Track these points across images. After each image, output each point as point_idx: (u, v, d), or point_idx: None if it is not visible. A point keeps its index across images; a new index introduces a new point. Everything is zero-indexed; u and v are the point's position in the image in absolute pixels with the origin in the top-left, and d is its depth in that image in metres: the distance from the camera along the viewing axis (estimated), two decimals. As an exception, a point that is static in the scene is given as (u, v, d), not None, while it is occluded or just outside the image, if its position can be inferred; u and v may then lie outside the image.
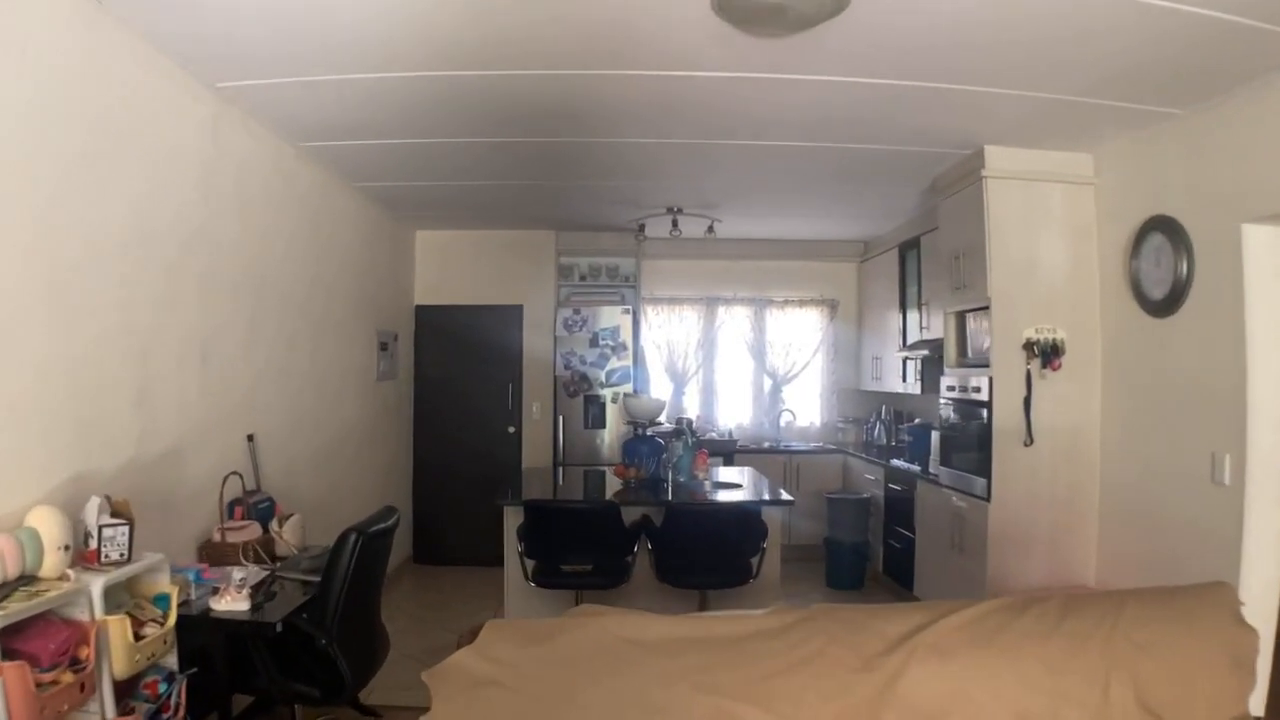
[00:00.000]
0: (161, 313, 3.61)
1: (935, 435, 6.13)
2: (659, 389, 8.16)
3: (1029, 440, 5.08)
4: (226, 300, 4.20)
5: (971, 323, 5.59)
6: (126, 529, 2.91)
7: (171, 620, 3.01)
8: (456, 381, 7.74)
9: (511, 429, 7.73)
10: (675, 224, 6.92)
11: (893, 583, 6.68)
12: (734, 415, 8.42)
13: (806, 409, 8.48)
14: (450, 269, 7.81)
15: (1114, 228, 4.98)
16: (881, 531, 6.89)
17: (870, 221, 7.47)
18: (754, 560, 4.60)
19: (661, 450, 5.45)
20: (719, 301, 8.35)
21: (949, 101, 4.29)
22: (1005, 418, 5.10)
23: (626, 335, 7.59)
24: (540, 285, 7.84)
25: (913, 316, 7.18)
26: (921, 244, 6.91)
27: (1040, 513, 5.10)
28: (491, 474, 7.49)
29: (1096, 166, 5.18)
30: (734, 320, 8.40)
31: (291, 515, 4.05)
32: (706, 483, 5.50)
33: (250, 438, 4.39)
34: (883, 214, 7.14)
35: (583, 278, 8.00)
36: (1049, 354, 5.13)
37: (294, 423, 5.03)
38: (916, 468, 6.36)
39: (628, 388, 7.54)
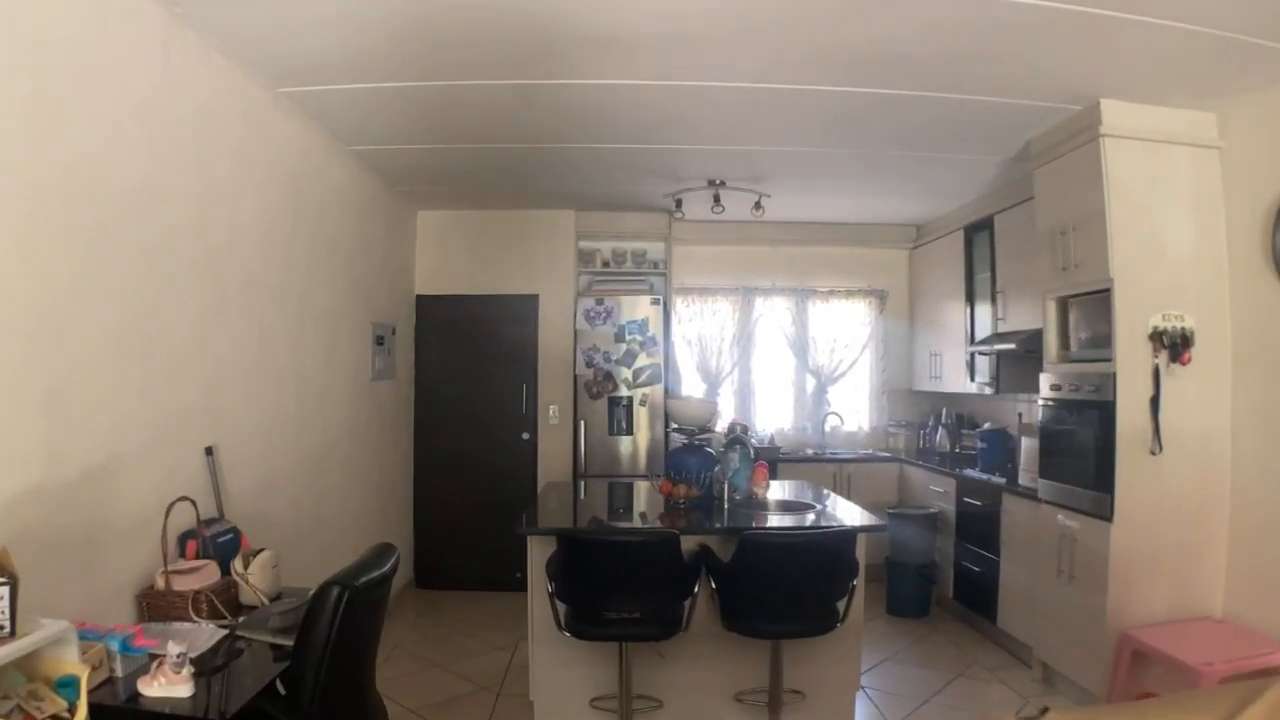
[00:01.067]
0: (86, 288, 2.71)
1: (1026, 442, 5.27)
2: (690, 389, 7.23)
3: (1157, 448, 4.28)
4: (180, 276, 3.30)
5: (1074, 311, 4.69)
6: (4, 591, 2.00)
7: (80, 716, 2.11)
8: (463, 382, 6.86)
9: (526, 435, 6.83)
10: (717, 199, 6.04)
11: (967, 611, 5.79)
12: (773, 419, 7.53)
13: (854, 412, 7.57)
14: (456, 254, 6.93)
15: (1247, 198, 4.24)
16: (952, 552, 5.99)
17: (930, 200, 6.59)
18: (841, 603, 3.69)
19: (714, 463, 4.56)
20: (756, 292, 7.47)
21: (1060, 35, 3.54)
22: (1130, 421, 4.29)
23: (656, 329, 6.69)
24: (558, 273, 6.94)
25: (983, 308, 6.32)
26: (995, 224, 6.04)
27: (1167, 533, 4.30)
28: (503, 488, 6.65)
29: (1222, 128, 4.40)
30: (773, 313, 7.51)
31: (261, 551, 3.12)
32: (769, 501, 4.59)
33: (209, 451, 3.49)
34: (945, 190, 6.28)
35: (606, 264, 7.10)
36: (1178, 345, 4.28)
37: (267, 431, 4.13)
38: (999, 479, 5.45)
39: (657, 388, 6.63)
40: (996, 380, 6.05)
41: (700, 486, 4.51)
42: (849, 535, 3.70)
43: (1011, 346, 5.56)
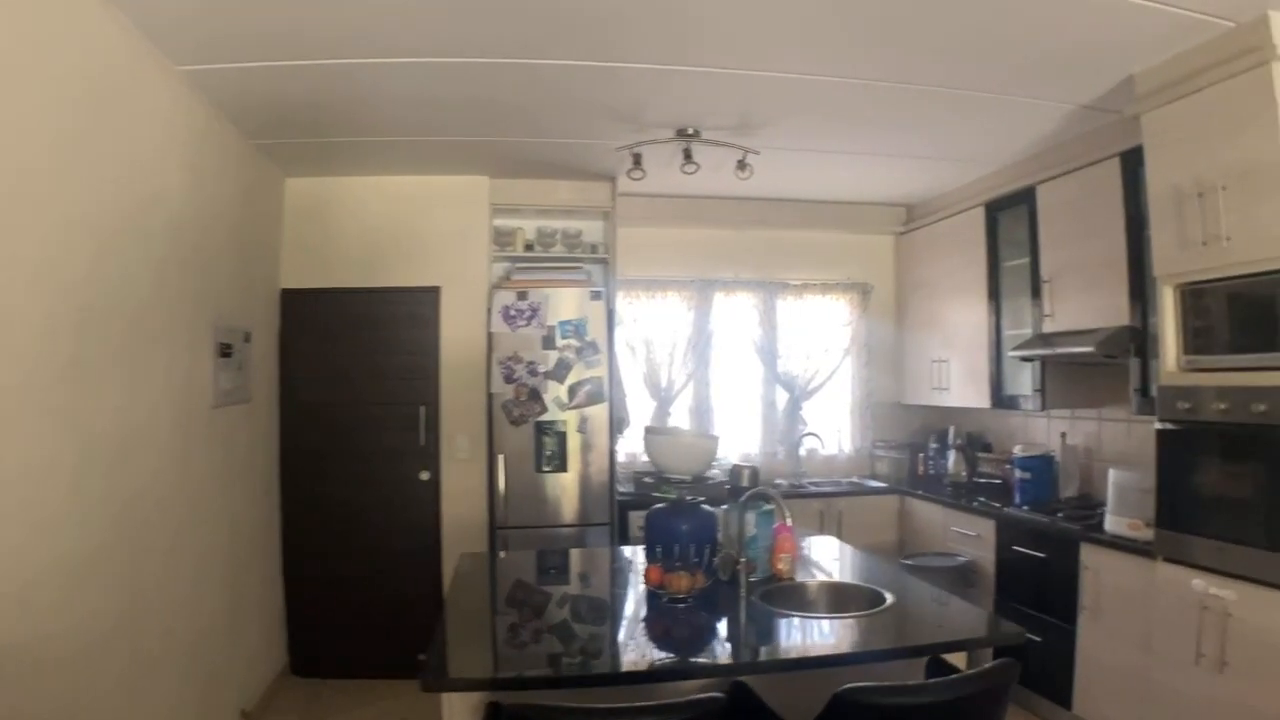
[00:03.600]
0: None
1: (1118, 476, 3.99)
2: (636, 409, 5.68)
3: None
4: None
5: (1210, 303, 3.43)
6: None
7: None
8: (345, 405, 5.17)
9: (425, 474, 5.22)
10: (688, 155, 4.51)
11: (1026, 692, 4.39)
12: (738, 443, 6.02)
13: (832, 431, 6.19)
14: (336, 235, 5.25)
15: None
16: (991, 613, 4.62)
17: (940, 168, 5.32)
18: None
19: (714, 529, 3.08)
20: (716, 285, 6.01)
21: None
22: None
23: (597, 331, 5.15)
24: (467, 258, 5.34)
25: (1015, 303, 5.11)
26: (1039, 197, 4.72)
27: None
28: (398, 545, 5.18)
29: None
30: (736, 311, 6.02)
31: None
32: (808, 587, 3.16)
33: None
34: (969, 152, 5.02)
35: (530, 247, 5.54)
36: (1386, 349, 3.01)
37: (27, 504, 2.36)
38: (1071, 523, 4.15)
39: (600, 409, 5.06)
40: (1043, 393, 4.74)
41: (705, 570, 3.01)
42: (1003, 684, 2.23)
43: (1082, 349, 4.26)
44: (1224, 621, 3.23)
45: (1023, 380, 4.99)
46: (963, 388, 5.50)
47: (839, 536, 5.32)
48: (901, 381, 6.27)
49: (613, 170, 5.17)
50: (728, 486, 3.55)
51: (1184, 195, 3.44)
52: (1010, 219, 5.10)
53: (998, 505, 4.84)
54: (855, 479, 6.07)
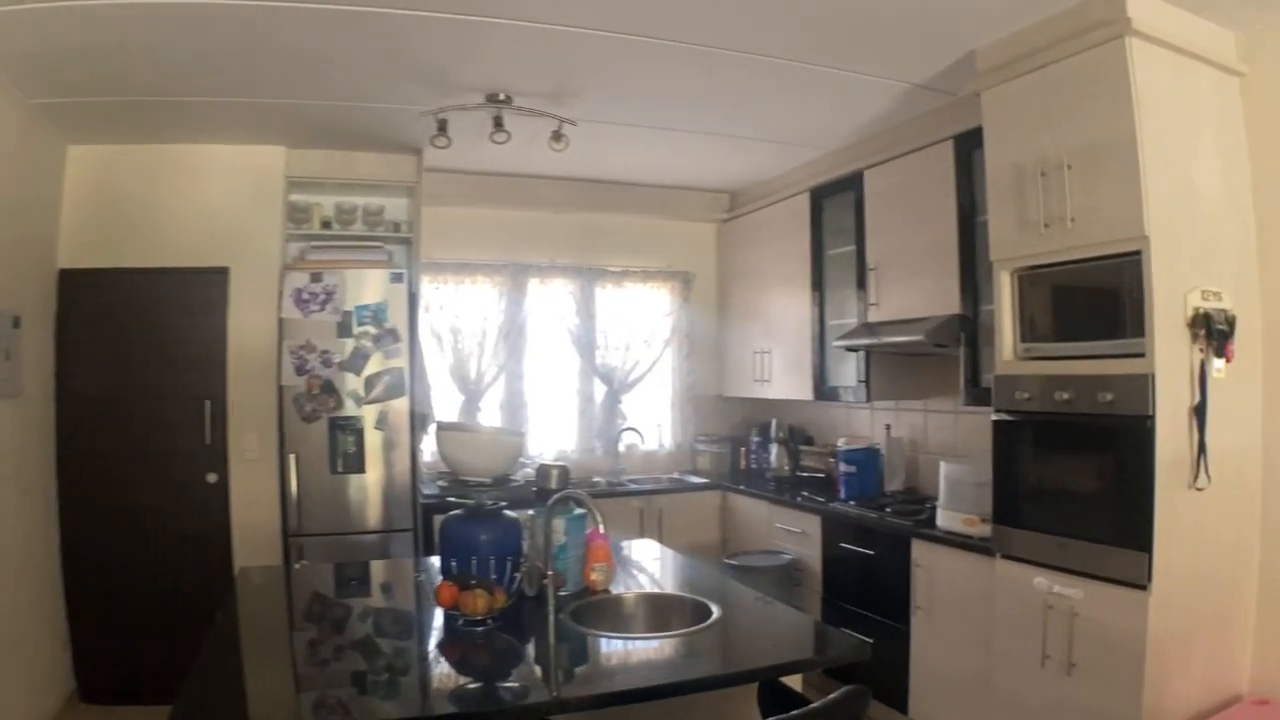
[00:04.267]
0: None
1: (949, 469, 3.82)
2: (443, 402, 5.13)
3: (1205, 480, 2.98)
4: None
5: (1048, 290, 3.32)
6: None
7: None
8: (128, 399, 4.45)
9: (213, 476, 4.53)
10: (499, 123, 4.04)
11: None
12: (553, 439, 5.58)
13: (653, 426, 5.87)
14: (120, 209, 4.50)
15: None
16: (819, 614, 4.41)
17: (766, 153, 5.03)
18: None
19: (519, 538, 2.67)
20: (530, 271, 5.55)
21: None
22: (1171, 444, 2.93)
23: (398, 317, 4.61)
24: (259, 235, 4.68)
25: (839, 293, 4.95)
26: (865, 183, 4.55)
27: (1206, 596, 3.08)
28: (188, 555, 4.51)
29: (1246, 50, 3.27)
30: (552, 299, 5.57)
31: None
32: (625, 600, 2.81)
33: None
34: (796, 134, 4.81)
35: (327, 224, 4.94)
36: (1223, 335, 2.99)
37: None
38: (901, 519, 3.99)
39: (400, 403, 4.53)
40: (867, 384, 4.56)
41: (507, 587, 2.58)
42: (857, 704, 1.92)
43: (910, 338, 4.08)
44: (1070, 621, 3.08)
45: (846, 371, 4.82)
46: (785, 379, 5.29)
47: (659, 536, 5.02)
48: (723, 373, 6.02)
49: (418, 141, 4.63)
50: (534, 489, 3.11)
51: (1026, 175, 3.28)
52: (836, 206, 4.92)
53: (822, 500, 4.64)
54: (676, 475, 5.77)
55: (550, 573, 2.45)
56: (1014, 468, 3.37)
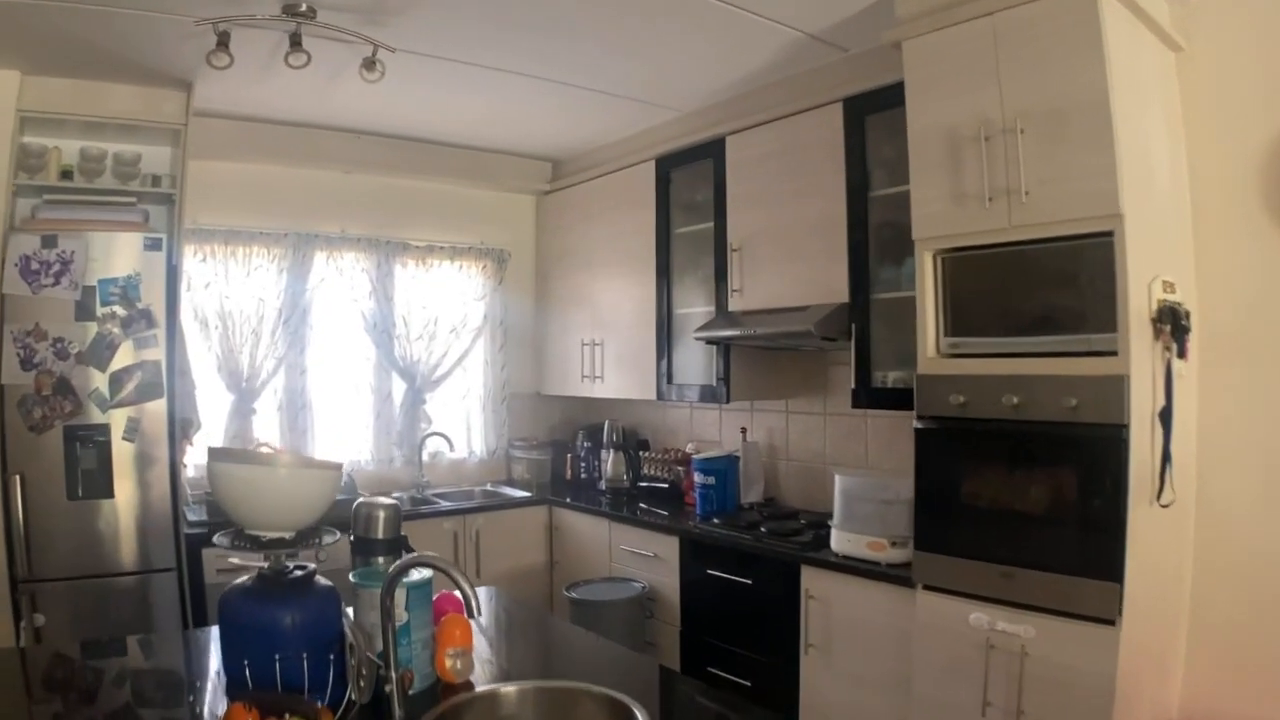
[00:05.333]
0: None
1: (845, 483, 3.26)
2: (210, 406, 4.00)
3: (1167, 495, 2.52)
4: None
5: (980, 273, 2.83)
6: None
7: None
8: None
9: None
10: (296, 42, 3.07)
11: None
12: (344, 448, 4.54)
13: (461, 429, 4.94)
14: None
15: (1231, 123, 2.83)
16: (677, 651, 3.75)
17: (608, 109, 4.28)
18: None
19: (338, 616, 1.81)
20: (317, 242, 4.48)
21: None
22: (1138, 455, 2.47)
23: (153, 295, 3.51)
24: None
25: (689, 278, 4.29)
26: (728, 150, 3.92)
27: (1160, 625, 2.76)
28: None
29: (1181, 23, 2.88)
30: (343, 276, 4.52)
31: None
32: (498, 697, 1.97)
33: None
34: (652, 84, 4.01)
35: (68, 174, 3.68)
36: (1183, 331, 2.57)
37: None
38: (785, 544, 3.41)
39: (157, 407, 3.42)
40: (726, 382, 3.93)
41: (334, 702, 1.72)
42: None
43: (792, 330, 3.48)
44: (1019, 663, 2.57)
45: (695, 367, 4.18)
46: (621, 376, 4.57)
47: (477, 563, 4.19)
48: (541, 368, 5.21)
49: (188, 70, 3.53)
50: (352, 539, 2.22)
51: (963, 140, 2.74)
52: (688, 177, 4.26)
53: (676, 518, 3.97)
54: (490, 486, 4.90)
55: (395, 670, 1.60)
56: (943, 484, 2.82)
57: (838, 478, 3.30)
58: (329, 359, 4.55)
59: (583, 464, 4.89)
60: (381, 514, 2.21)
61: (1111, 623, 2.39)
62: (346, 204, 4.55)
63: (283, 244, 4.32)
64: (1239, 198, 2.79)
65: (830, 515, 3.37)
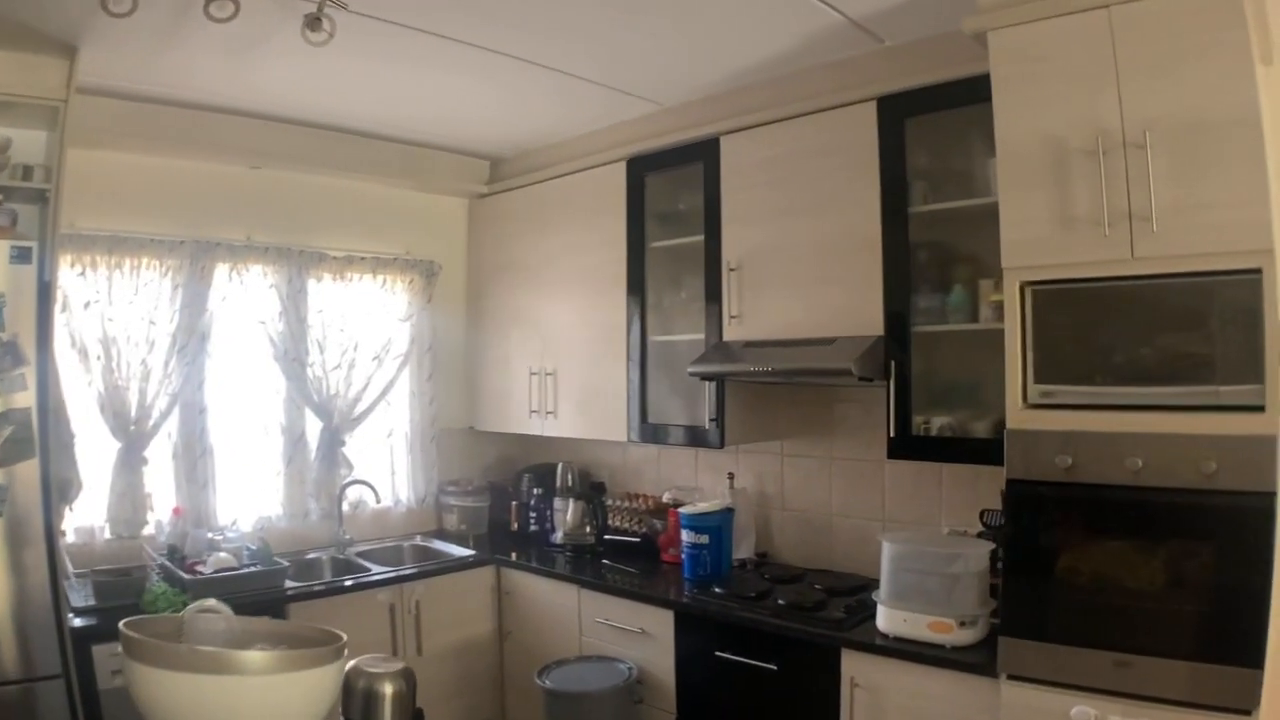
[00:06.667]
0: None
1: (914, 553, 2.90)
2: (87, 455, 3.25)
3: None
4: None
5: (1069, 311, 2.51)
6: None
7: None
8: None
9: None
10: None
11: None
12: (252, 503, 3.85)
13: (385, 474, 4.31)
14: None
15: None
16: (668, 744, 3.32)
17: (574, 97, 3.74)
18: None
19: None
20: (218, 252, 3.73)
21: None
22: None
23: (24, 322, 2.76)
24: None
25: (672, 298, 3.85)
26: (725, 152, 3.53)
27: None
28: None
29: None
30: (249, 295, 3.81)
31: None
32: None
33: None
34: (647, 74, 3.50)
35: None
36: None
37: None
38: (825, 627, 2.98)
39: (28, 467, 2.69)
40: (720, 423, 3.49)
41: None
42: None
43: (827, 367, 3.06)
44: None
45: (675, 405, 3.73)
46: (581, 413, 4.03)
47: (418, 640, 3.60)
48: (475, 401, 4.61)
49: (72, 31, 2.80)
50: None
51: (1070, 153, 2.38)
52: (668, 183, 3.79)
53: (664, 584, 3.49)
54: (420, 539, 4.27)
55: None
56: (1041, 560, 2.46)
57: (887, 544, 2.89)
58: (232, 394, 3.82)
59: (532, 513, 4.32)
60: (388, 690, 1.64)
61: (1248, 713, 2.10)
62: (254, 205, 3.82)
63: (178, 254, 3.56)
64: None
65: (848, 577, 3.16)
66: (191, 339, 3.58)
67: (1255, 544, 2.11)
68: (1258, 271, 2.12)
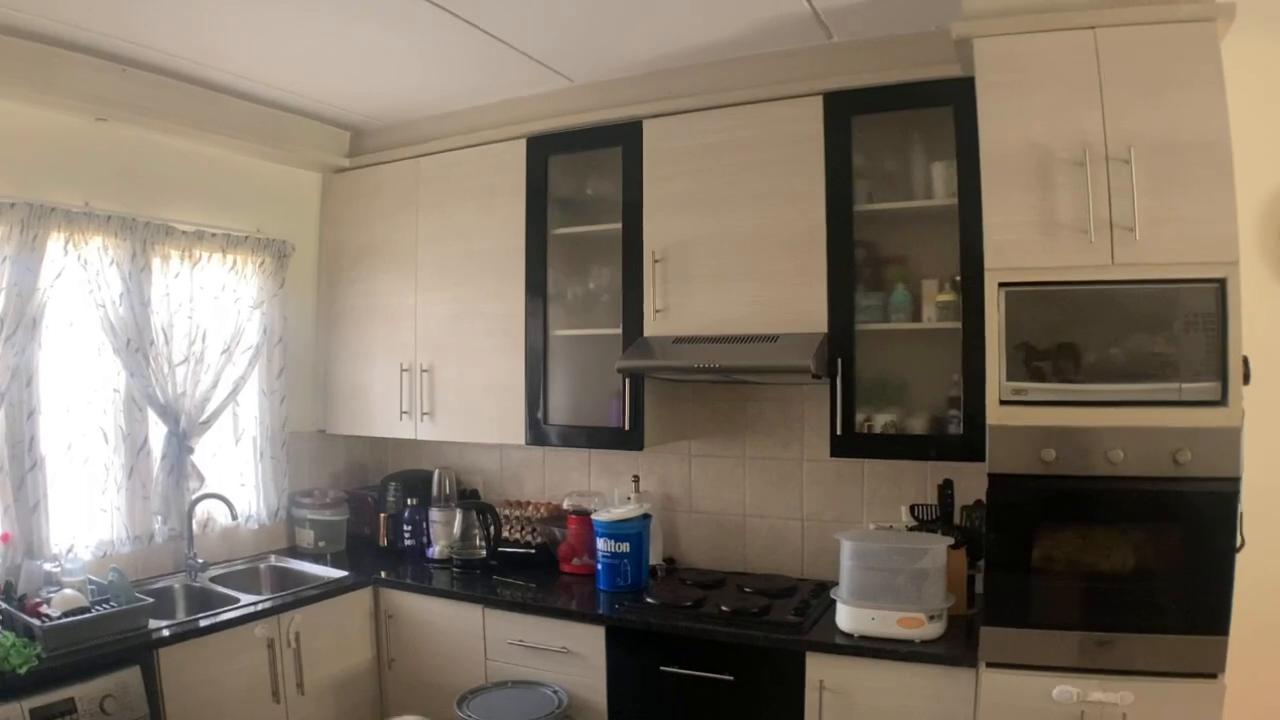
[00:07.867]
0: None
1: (875, 550, 3.03)
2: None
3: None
4: None
5: (1047, 309, 2.76)
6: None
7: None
8: None
9: None
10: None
11: None
12: (83, 527, 3.34)
13: (237, 485, 3.91)
14: None
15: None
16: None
17: (467, 58, 3.55)
18: None
19: None
20: (53, 218, 3.17)
21: None
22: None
23: None
24: None
25: (577, 293, 3.86)
26: (649, 137, 3.58)
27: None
28: None
29: None
30: (86, 271, 3.31)
31: None
32: None
33: None
34: (574, 41, 3.36)
35: None
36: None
37: None
38: (779, 630, 3.05)
39: None
40: (637, 422, 3.48)
41: None
42: None
43: (778, 364, 3.15)
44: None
45: (581, 405, 3.70)
46: (464, 414, 3.85)
47: (300, 676, 3.33)
48: (328, 400, 4.27)
49: None
50: None
51: (1055, 162, 2.60)
52: (577, 166, 3.73)
53: (575, 596, 3.44)
54: (274, 559, 3.90)
55: None
56: (1025, 550, 2.66)
57: (847, 543, 3.00)
58: (67, 391, 3.30)
59: (406, 526, 4.06)
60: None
61: (1214, 676, 2.43)
62: (96, 165, 3.30)
63: (6, 218, 2.99)
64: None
65: (773, 578, 3.42)
66: (20, 324, 3.05)
67: (1221, 523, 2.44)
68: (1222, 281, 2.44)
